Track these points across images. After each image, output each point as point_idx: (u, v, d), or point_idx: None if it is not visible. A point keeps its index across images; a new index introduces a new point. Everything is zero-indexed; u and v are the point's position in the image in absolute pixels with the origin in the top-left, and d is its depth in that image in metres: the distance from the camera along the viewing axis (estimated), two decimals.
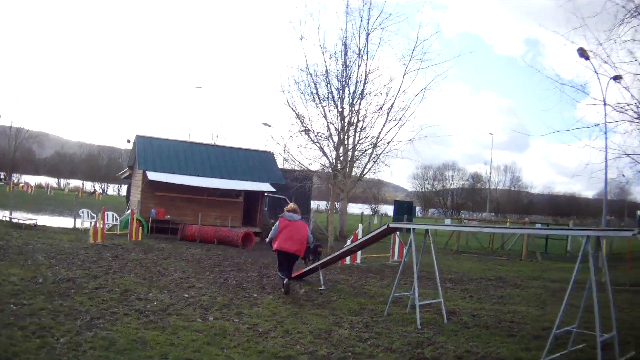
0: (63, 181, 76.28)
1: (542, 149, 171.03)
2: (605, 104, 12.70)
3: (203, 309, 8.24)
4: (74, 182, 76.69)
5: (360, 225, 17.93)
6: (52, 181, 71.94)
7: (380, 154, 20.11)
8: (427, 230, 9.29)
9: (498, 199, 78.35)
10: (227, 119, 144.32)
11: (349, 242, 14.65)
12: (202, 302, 8.71)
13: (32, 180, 68.35)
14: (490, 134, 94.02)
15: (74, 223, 20.39)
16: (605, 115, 12.87)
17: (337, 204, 24.38)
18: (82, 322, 6.89)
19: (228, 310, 8.29)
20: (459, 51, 65.24)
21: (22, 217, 19.21)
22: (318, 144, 19.85)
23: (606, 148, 13.34)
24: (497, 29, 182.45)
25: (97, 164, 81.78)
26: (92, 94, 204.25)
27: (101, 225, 15.48)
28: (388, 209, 71.13)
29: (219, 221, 21.65)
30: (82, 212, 20.36)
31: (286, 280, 9.71)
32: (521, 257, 20.70)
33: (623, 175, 15.52)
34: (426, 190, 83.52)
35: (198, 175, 21.96)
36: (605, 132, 13.36)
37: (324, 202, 41.16)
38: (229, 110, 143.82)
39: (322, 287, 10.58)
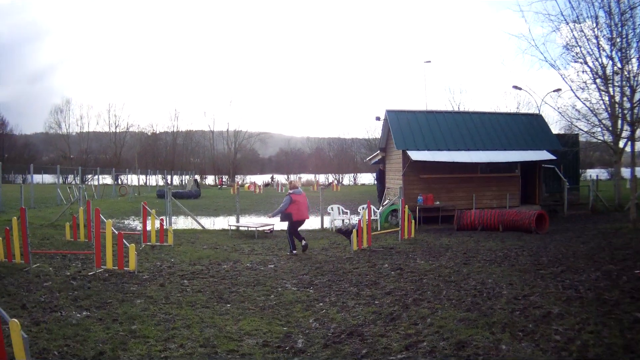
0: (293, 176, 78.91)
1: None
2: None
3: None
4: (305, 177, 79.10)
5: None
6: (280, 178, 74.50)
7: None
8: None
9: None
10: (463, 88, 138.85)
11: None
12: None
13: (259, 179, 71.23)
14: None
15: (321, 222, 17.77)
16: None
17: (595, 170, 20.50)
18: None
19: None
20: None
21: (252, 223, 17.23)
22: (607, 93, 16.60)
23: None
24: None
25: (327, 155, 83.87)
26: (307, 89, 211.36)
27: (366, 223, 12.24)
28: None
29: (496, 202, 19.15)
30: (332, 209, 17.74)
31: (305, 242, 11.87)
32: None
33: None
34: None
35: (466, 149, 19.29)
36: None
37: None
38: (464, 80, 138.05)
39: None
